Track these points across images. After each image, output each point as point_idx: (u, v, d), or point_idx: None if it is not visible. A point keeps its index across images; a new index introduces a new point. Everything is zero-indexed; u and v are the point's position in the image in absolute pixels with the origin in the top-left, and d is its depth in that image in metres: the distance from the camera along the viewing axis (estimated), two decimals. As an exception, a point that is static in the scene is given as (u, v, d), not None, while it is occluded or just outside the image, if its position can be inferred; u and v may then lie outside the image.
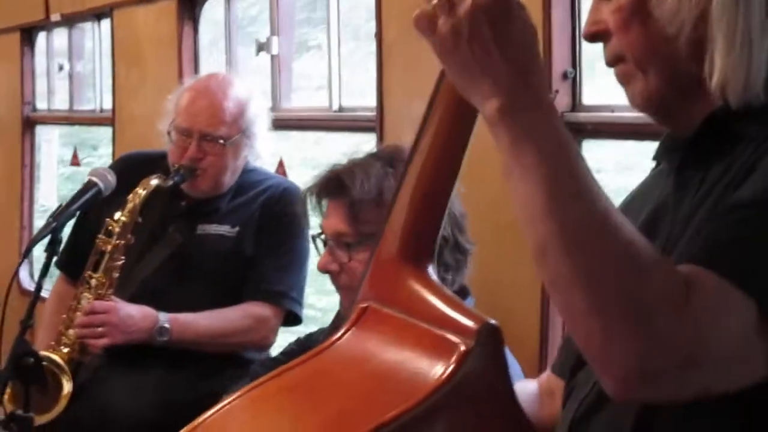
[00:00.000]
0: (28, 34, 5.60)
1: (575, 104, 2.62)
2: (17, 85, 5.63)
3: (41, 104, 5.65)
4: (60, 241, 2.68)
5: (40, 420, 2.75)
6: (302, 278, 3.09)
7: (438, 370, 1.13)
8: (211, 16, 4.28)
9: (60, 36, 5.45)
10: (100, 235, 2.96)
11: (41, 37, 5.59)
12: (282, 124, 3.40)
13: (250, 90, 3.14)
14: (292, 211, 2.51)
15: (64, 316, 2.98)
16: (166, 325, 2.92)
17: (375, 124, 3.16)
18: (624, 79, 1.28)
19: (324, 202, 2.24)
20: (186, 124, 3.02)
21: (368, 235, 2.09)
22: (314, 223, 2.32)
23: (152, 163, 3.11)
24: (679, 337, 1.01)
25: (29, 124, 5.65)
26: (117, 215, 2.94)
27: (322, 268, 2.22)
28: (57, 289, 3.28)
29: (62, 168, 5.54)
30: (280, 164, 3.69)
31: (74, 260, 3.09)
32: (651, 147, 1.39)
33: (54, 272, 3.05)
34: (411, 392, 1.12)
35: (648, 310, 1.02)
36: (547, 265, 1.06)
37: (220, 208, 3.08)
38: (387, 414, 1.09)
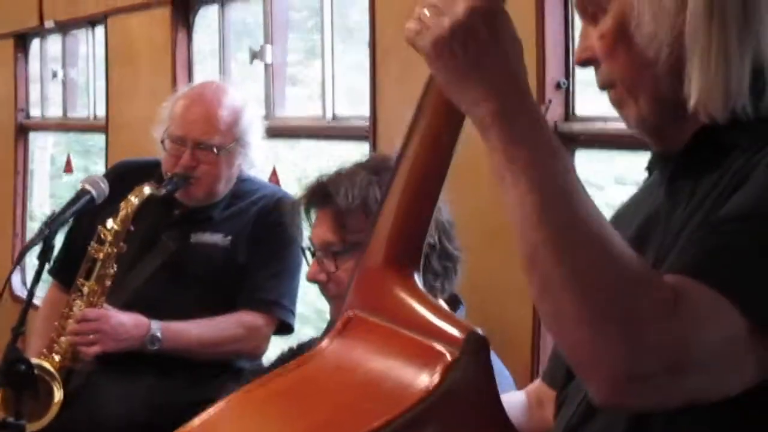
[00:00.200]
0: (21, 41, 5.60)
1: (568, 114, 2.63)
2: (11, 91, 5.63)
3: (35, 111, 5.65)
4: (52, 249, 2.68)
5: (32, 427, 2.75)
6: (295, 288, 3.09)
7: (424, 379, 1.13)
8: (205, 23, 4.28)
9: (54, 43, 5.46)
10: (92, 243, 2.96)
11: (35, 44, 5.59)
12: (275, 132, 3.40)
13: (244, 98, 3.14)
14: (285, 220, 2.52)
15: (56, 323, 2.98)
16: (158, 333, 2.92)
17: (368, 132, 3.17)
18: (617, 104, 1.30)
19: (312, 213, 2.24)
20: (180, 132, 3.02)
21: (355, 244, 2.09)
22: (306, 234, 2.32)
23: (146, 170, 3.11)
24: (666, 344, 1.02)
25: (22, 130, 5.65)
26: (109, 223, 2.94)
27: (311, 278, 2.22)
28: (49, 296, 3.28)
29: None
30: (273, 173, 3.70)
31: (67, 268, 3.09)
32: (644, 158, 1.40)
33: (46, 279, 3.04)
34: (396, 401, 1.11)
35: (637, 317, 1.02)
36: (536, 269, 1.06)
37: (214, 217, 3.08)
38: (373, 422, 1.09)
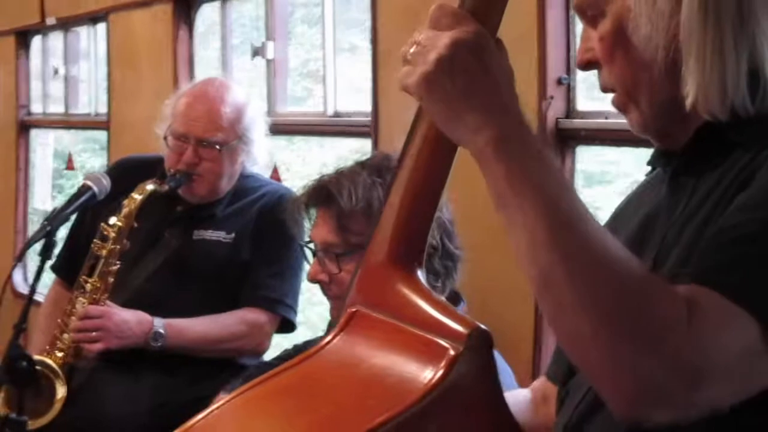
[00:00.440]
0: (23, 38, 5.60)
1: (569, 110, 2.62)
2: (12, 88, 5.63)
3: (36, 108, 5.65)
4: (54, 245, 2.68)
5: (35, 424, 2.75)
6: (297, 285, 3.09)
7: (427, 374, 1.13)
8: (206, 19, 4.28)
9: (55, 39, 5.45)
10: (95, 240, 2.96)
11: (37, 41, 5.59)
12: (277, 129, 3.40)
13: (247, 95, 3.14)
14: (286, 218, 2.51)
15: (59, 320, 2.98)
16: (161, 330, 2.92)
17: (370, 129, 3.17)
18: (619, 108, 1.30)
19: (313, 212, 2.23)
20: (183, 130, 3.02)
21: (357, 246, 2.08)
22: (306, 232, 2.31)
23: (149, 167, 3.11)
24: (684, 357, 1.02)
25: (24, 127, 5.65)
26: (112, 220, 2.94)
27: (312, 278, 2.21)
28: (52, 293, 3.28)
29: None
30: (275, 170, 3.70)
31: (70, 264, 3.09)
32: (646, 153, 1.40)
33: (48, 276, 3.05)
34: (400, 397, 1.12)
35: (653, 332, 1.02)
36: (550, 294, 1.07)
37: (217, 214, 3.08)
38: (376, 418, 1.10)
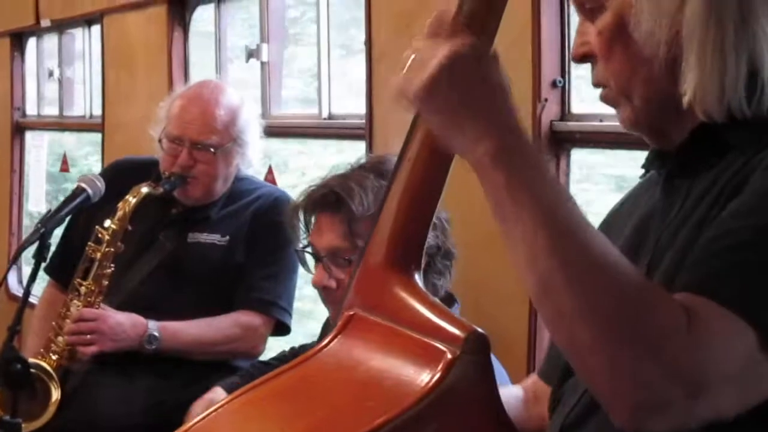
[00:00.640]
0: (18, 40, 5.60)
1: (564, 113, 2.62)
2: (7, 90, 5.63)
3: (31, 110, 5.65)
4: (48, 247, 2.68)
5: (29, 427, 2.75)
6: (292, 288, 3.09)
7: (424, 377, 1.13)
8: (201, 22, 4.28)
9: (50, 41, 5.45)
10: (90, 243, 2.96)
11: (31, 43, 5.59)
12: (271, 131, 3.40)
13: (241, 98, 3.14)
14: (282, 220, 2.51)
15: (54, 323, 2.98)
16: (156, 333, 2.92)
17: (365, 131, 3.17)
18: (609, 103, 1.30)
19: (312, 217, 2.20)
20: (177, 132, 3.02)
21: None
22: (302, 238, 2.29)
23: (144, 169, 3.11)
24: (683, 365, 1.02)
25: (19, 129, 5.64)
26: (107, 223, 2.94)
27: (318, 285, 2.18)
28: (46, 295, 3.28)
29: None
30: (269, 171, 3.70)
31: (64, 267, 3.09)
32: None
33: (42, 278, 3.04)
34: (397, 400, 1.12)
35: (653, 341, 1.02)
36: (549, 302, 1.07)
37: (211, 217, 3.08)
38: (373, 421, 1.10)
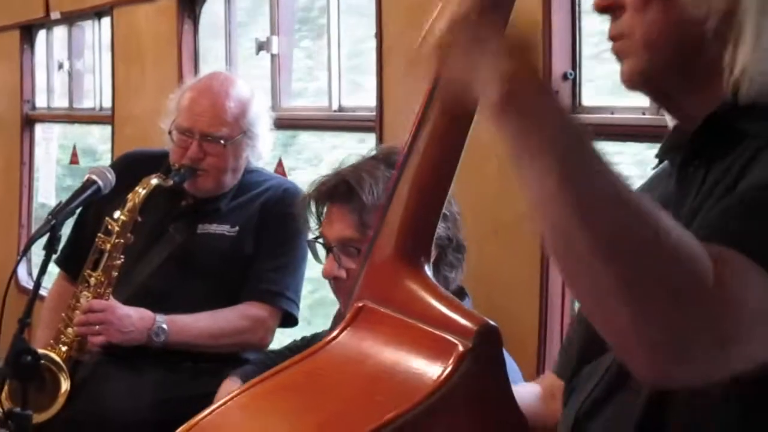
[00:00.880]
0: (28, 32, 5.60)
1: (575, 105, 2.62)
2: (17, 82, 5.64)
3: (41, 102, 5.65)
4: (59, 239, 2.68)
5: (38, 418, 2.75)
6: (300, 279, 3.08)
7: (436, 371, 1.12)
8: (211, 14, 4.28)
9: (60, 34, 5.45)
10: (99, 234, 2.96)
11: (41, 35, 5.59)
12: (282, 123, 3.40)
13: (251, 90, 3.13)
14: (291, 212, 2.50)
15: (63, 314, 2.99)
16: (164, 326, 2.92)
17: (375, 124, 3.16)
18: (622, 55, 1.27)
19: (324, 208, 2.20)
20: (187, 124, 3.02)
21: None
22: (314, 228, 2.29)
23: (154, 161, 3.11)
24: (710, 313, 0.99)
25: (28, 122, 5.65)
26: (116, 214, 2.94)
27: (329, 275, 2.17)
28: (56, 287, 3.28)
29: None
30: (279, 164, 3.70)
31: (74, 259, 3.09)
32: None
33: (52, 270, 3.05)
34: (409, 393, 1.11)
35: (678, 286, 0.99)
36: (567, 248, 1.02)
37: (221, 208, 3.08)
38: (385, 415, 1.09)
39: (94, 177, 2.82)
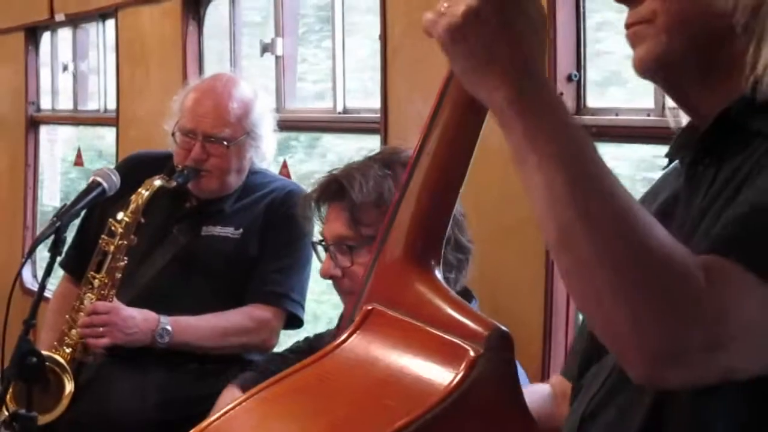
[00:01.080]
0: (32, 34, 5.60)
1: (580, 107, 2.62)
2: (21, 84, 5.64)
3: (45, 104, 5.66)
4: (63, 241, 2.67)
5: (43, 419, 2.75)
6: (304, 281, 3.08)
7: (447, 376, 1.11)
8: (215, 16, 4.28)
9: (64, 36, 5.46)
10: (103, 236, 2.96)
11: (46, 37, 5.60)
12: (286, 125, 3.40)
13: (255, 91, 3.13)
14: (295, 213, 2.51)
15: (68, 316, 2.98)
16: (168, 327, 2.92)
17: (379, 125, 3.16)
18: (639, 39, 1.25)
19: (324, 208, 2.22)
20: (190, 126, 3.02)
21: (369, 238, 2.08)
22: (315, 229, 2.31)
23: (158, 163, 3.11)
24: (703, 318, 1.02)
25: (33, 123, 5.65)
26: (120, 216, 2.94)
27: (325, 275, 2.21)
28: (60, 289, 3.28)
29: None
30: (284, 165, 3.69)
31: (79, 261, 3.09)
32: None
33: (57, 272, 3.05)
34: (420, 399, 1.10)
35: (672, 292, 1.02)
36: (569, 251, 1.05)
37: (225, 210, 3.07)
38: (397, 421, 1.08)
39: (98, 179, 2.82)
